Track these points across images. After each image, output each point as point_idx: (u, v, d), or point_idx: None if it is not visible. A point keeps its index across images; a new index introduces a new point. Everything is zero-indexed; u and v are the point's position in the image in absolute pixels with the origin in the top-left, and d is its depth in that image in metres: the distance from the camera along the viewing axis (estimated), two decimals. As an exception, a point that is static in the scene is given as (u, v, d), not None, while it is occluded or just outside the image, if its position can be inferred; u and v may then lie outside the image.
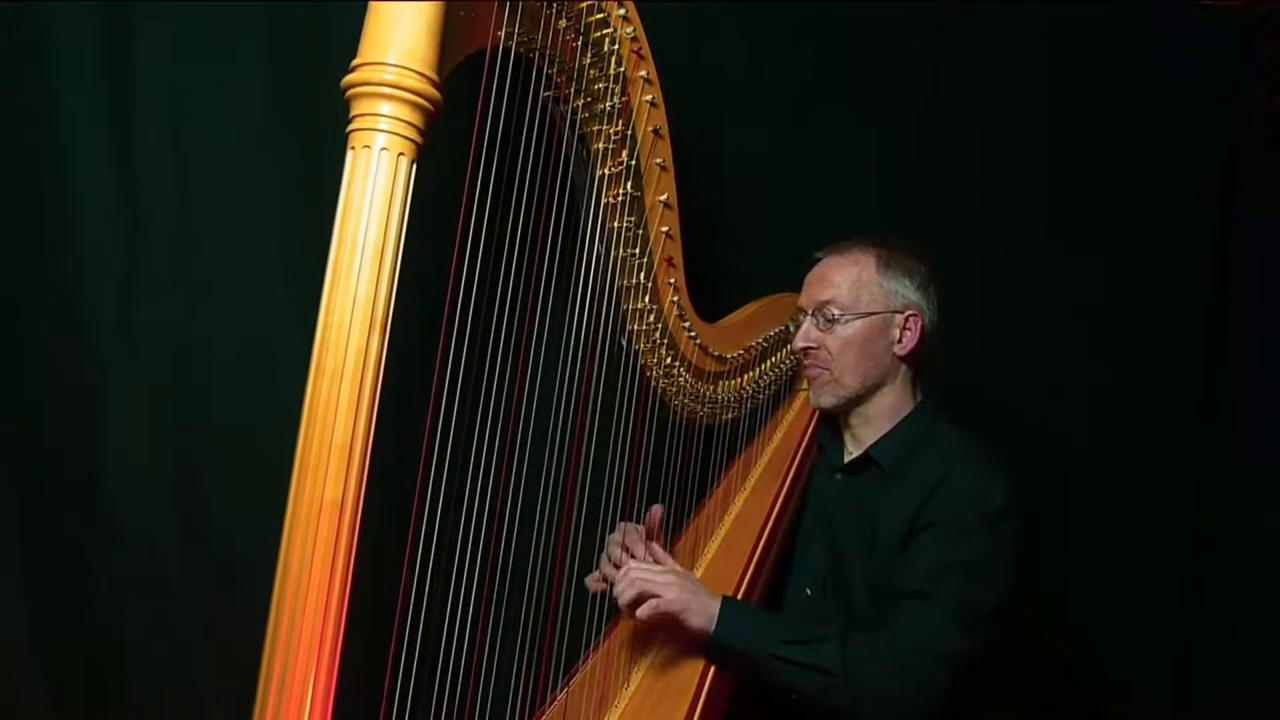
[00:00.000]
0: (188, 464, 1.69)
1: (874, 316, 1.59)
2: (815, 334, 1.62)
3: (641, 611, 1.37)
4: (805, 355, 1.65)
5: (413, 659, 1.12)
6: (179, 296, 1.68)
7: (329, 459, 0.92)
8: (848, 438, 1.69)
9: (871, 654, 1.38)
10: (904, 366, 1.62)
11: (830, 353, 1.60)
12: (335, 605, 0.92)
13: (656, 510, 1.50)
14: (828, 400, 1.64)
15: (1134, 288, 2.34)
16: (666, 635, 1.44)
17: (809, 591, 1.64)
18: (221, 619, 1.66)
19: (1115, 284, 2.35)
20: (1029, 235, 2.34)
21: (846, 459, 1.68)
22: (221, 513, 1.70)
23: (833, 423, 1.73)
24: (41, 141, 1.60)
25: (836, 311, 1.59)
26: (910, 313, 1.60)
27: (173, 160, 1.67)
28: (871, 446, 1.62)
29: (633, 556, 1.47)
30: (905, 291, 1.61)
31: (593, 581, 1.51)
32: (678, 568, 1.44)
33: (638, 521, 1.52)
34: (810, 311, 1.64)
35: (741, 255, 2.13)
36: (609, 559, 1.51)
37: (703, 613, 1.38)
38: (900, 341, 1.60)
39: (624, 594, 1.38)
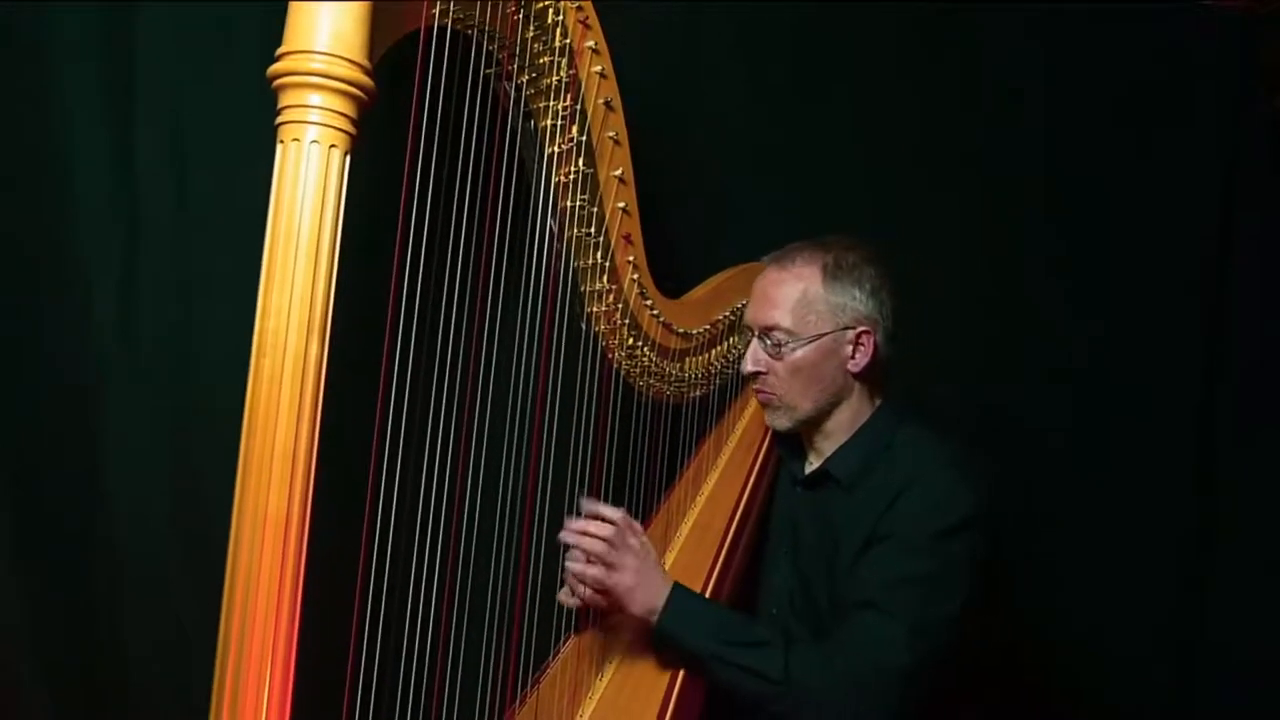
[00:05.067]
0: (188, 464, 1.69)
1: (822, 339, 1.51)
2: (763, 357, 1.54)
3: (588, 576, 1.34)
4: (754, 380, 1.58)
5: (374, 664, 1.09)
6: (179, 296, 1.68)
7: (272, 467, 0.90)
8: (809, 451, 1.64)
9: (820, 665, 1.34)
10: (859, 382, 1.56)
11: (779, 378, 1.53)
12: (286, 616, 0.90)
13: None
14: (782, 423, 1.58)
15: (1134, 288, 2.35)
16: (635, 623, 1.41)
17: (775, 612, 1.61)
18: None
19: (1115, 284, 2.35)
20: (1028, 235, 2.34)
21: (808, 470, 1.63)
22: (221, 513, 1.69)
23: (793, 434, 1.66)
24: (41, 142, 1.59)
25: (782, 337, 1.51)
26: (862, 329, 1.51)
27: (173, 160, 1.66)
28: (829, 459, 1.57)
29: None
30: (854, 305, 1.51)
31: (565, 597, 1.46)
32: (642, 546, 1.38)
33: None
34: (756, 333, 1.56)
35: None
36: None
37: (646, 602, 1.35)
38: (853, 358, 1.52)
39: (576, 556, 1.35)
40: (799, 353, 1.51)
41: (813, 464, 1.62)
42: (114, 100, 1.62)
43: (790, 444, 1.69)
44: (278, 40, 1.69)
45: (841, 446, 1.56)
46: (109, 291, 1.63)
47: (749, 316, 1.59)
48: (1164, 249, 2.34)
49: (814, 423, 1.57)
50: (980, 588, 1.40)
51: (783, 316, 1.52)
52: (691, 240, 2.00)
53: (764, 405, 1.60)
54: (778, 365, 1.53)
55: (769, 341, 1.53)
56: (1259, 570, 2.27)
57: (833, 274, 1.52)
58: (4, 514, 1.58)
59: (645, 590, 1.35)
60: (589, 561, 1.36)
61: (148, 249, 1.65)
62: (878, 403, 1.58)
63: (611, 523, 1.36)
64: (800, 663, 1.34)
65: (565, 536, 1.36)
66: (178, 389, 1.68)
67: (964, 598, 1.38)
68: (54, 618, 1.61)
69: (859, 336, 1.52)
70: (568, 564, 1.37)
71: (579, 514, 1.38)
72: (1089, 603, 2.28)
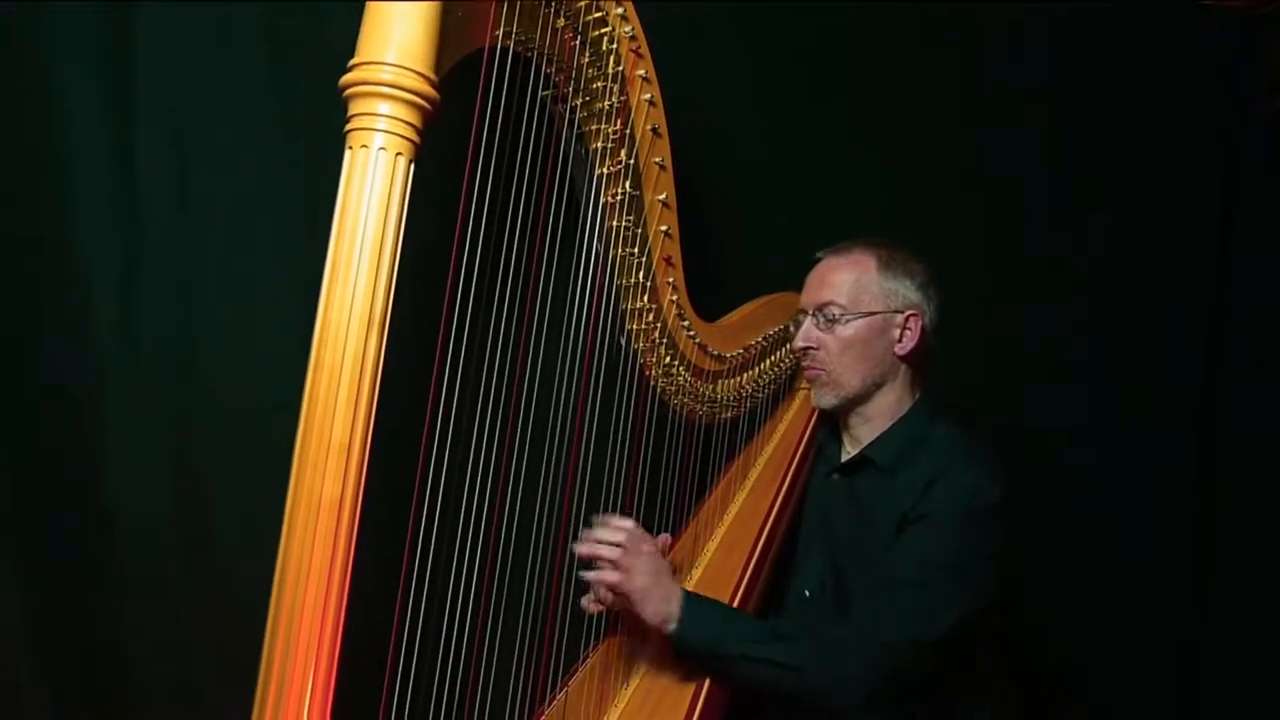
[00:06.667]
0: (188, 464, 1.69)
1: (874, 316, 1.60)
2: (815, 334, 1.62)
3: (605, 580, 1.39)
4: (805, 355, 1.65)
5: (412, 658, 1.12)
6: (179, 296, 1.68)
7: (328, 457, 0.93)
8: (846, 438, 1.70)
9: (836, 640, 1.40)
10: (904, 366, 1.63)
11: (830, 353, 1.61)
12: (334, 603, 0.93)
13: (663, 540, 1.52)
14: (828, 400, 1.65)
15: (1134, 288, 2.35)
16: (659, 635, 1.43)
17: (807, 594, 1.64)
18: (221, 619, 1.66)
19: (1115, 284, 2.35)
20: (1029, 235, 2.34)
21: (844, 459, 1.68)
22: (221, 512, 1.70)
23: (832, 423, 1.74)
24: (41, 142, 1.60)
25: (837, 312, 1.60)
26: (910, 313, 1.61)
27: (173, 160, 1.67)
28: (868, 446, 1.63)
29: None
30: (906, 291, 1.61)
31: (589, 603, 1.49)
32: (652, 554, 1.43)
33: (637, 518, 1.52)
34: (810, 312, 1.64)
35: (742, 254, 2.13)
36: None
37: (659, 607, 1.38)
38: (900, 341, 1.61)
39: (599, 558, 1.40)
40: (851, 327, 1.59)
41: (849, 452, 1.68)
42: (114, 100, 1.63)
43: (829, 431, 1.75)
44: (278, 41, 1.71)
45: (881, 434, 1.62)
46: (109, 291, 1.64)
47: (803, 300, 1.67)
48: (1164, 249, 2.34)
49: (857, 402, 1.63)
50: (1003, 578, 1.46)
51: (838, 294, 1.61)
52: (688, 245, 2.00)
53: (811, 382, 1.67)
54: (829, 340, 1.61)
55: (822, 318, 1.61)
56: (1259, 570, 2.27)
57: (887, 263, 1.62)
58: (4, 514, 1.58)
59: (657, 596, 1.39)
60: (603, 567, 1.40)
61: (148, 249, 1.66)
62: (917, 395, 1.65)
63: (623, 531, 1.42)
64: (818, 645, 1.39)
65: (579, 548, 1.41)
66: (178, 389, 1.68)
67: (992, 582, 1.45)
68: (54, 618, 1.61)
69: (907, 320, 1.61)
70: (583, 573, 1.41)
71: (595, 526, 1.43)
72: (1089, 602, 2.29)
